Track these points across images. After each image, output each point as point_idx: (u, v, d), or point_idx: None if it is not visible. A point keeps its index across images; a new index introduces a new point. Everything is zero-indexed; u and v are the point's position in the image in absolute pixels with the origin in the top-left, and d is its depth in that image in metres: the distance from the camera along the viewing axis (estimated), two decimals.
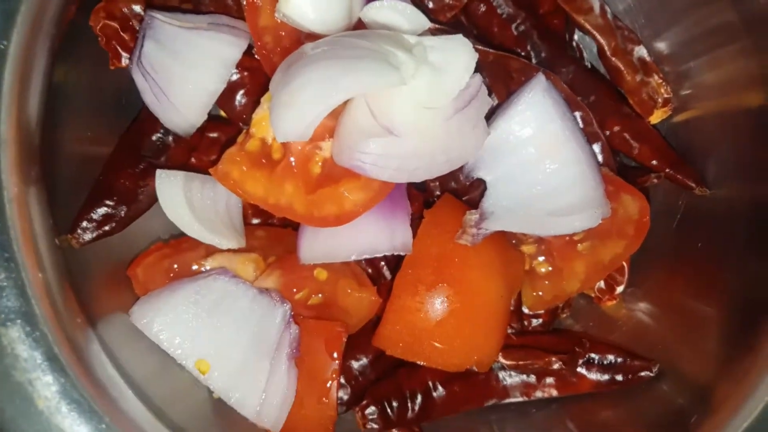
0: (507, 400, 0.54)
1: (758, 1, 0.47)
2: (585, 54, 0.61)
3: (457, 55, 0.46)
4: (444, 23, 0.54)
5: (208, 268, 0.53)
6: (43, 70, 0.45)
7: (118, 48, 0.49)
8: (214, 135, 0.56)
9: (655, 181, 0.56)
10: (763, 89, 0.50)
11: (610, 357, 0.55)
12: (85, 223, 0.48)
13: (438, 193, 0.56)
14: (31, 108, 0.45)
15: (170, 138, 0.53)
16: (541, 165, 0.48)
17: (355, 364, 0.56)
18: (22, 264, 0.43)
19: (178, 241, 0.54)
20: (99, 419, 0.43)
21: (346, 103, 0.45)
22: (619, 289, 0.59)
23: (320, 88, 0.41)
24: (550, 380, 0.54)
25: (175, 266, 0.53)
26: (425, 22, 0.51)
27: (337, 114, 0.46)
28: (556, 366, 0.53)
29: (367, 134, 0.43)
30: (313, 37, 0.49)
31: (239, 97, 0.53)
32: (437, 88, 0.46)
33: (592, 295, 0.60)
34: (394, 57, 0.42)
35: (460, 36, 0.47)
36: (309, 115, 0.41)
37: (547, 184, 0.48)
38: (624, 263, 0.58)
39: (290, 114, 0.41)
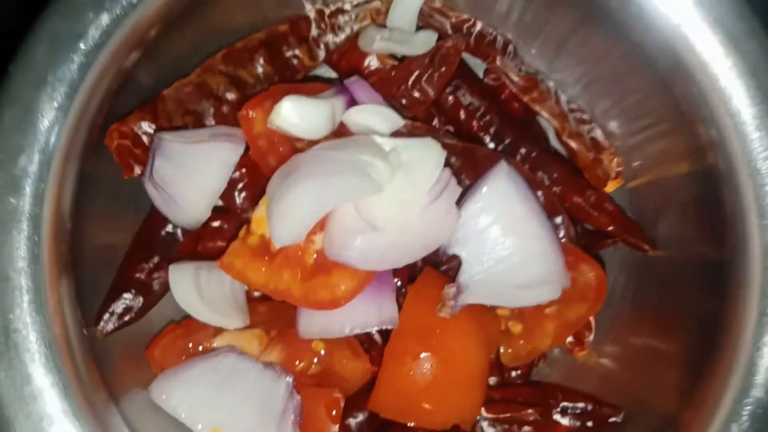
0: None
1: (674, 90, 0.54)
2: (545, 132, 0.68)
3: (427, 155, 0.53)
4: (416, 118, 0.61)
5: (216, 346, 0.59)
6: (76, 169, 0.52)
7: (131, 161, 0.56)
8: (217, 224, 0.63)
9: (613, 246, 0.63)
10: (691, 159, 0.57)
11: (581, 405, 0.61)
12: (107, 316, 0.55)
13: (420, 264, 0.62)
14: (65, 201, 0.51)
15: (179, 231, 0.60)
16: (506, 243, 0.55)
17: (353, 422, 0.62)
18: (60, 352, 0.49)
19: (188, 321, 0.60)
20: None
21: None
22: (588, 340, 0.65)
23: (310, 203, 0.48)
24: (527, 429, 0.60)
25: (190, 345, 0.59)
26: (399, 121, 0.58)
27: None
28: (532, 417, 0.59)
29: (352, 231, 0.50)
30: (301, 140, 0.57)
31: (238, 192, 0.60)
32: (412, 185, 0.53)
33: (566, 347, 0.66)
34: (371, 167, 0.49)
35: (429, 138, 0.54)
36: (301, 224, 0.48)
37: (511, 260, 0.55)
38: (590, 319, 0.64)
39: (285, 225, 0.48)
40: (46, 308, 0.48)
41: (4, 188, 0.48)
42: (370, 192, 0.49)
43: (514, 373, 0.65)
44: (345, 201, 0.49)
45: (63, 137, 0.49)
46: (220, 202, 0.63)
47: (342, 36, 0.63)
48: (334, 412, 0.59)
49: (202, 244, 0.62)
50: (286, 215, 0.48)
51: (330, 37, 0.63)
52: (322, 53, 0.63)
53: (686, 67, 0.53)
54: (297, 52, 0.62)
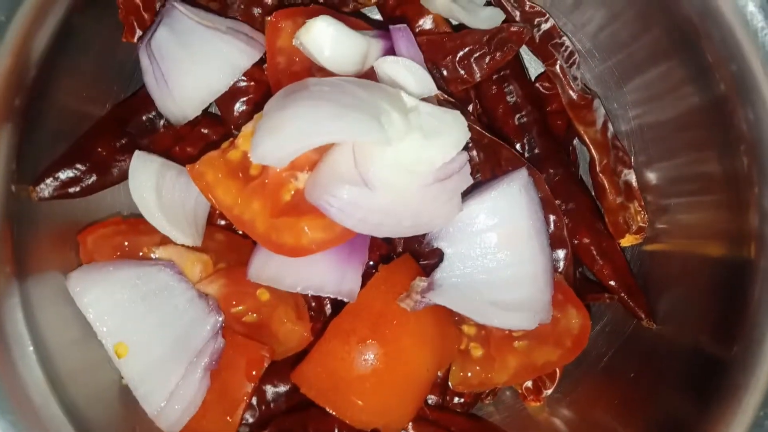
0: None
1: (741, 161, 0.48)
2: (578, 160, 0.62)
3: (450, 129, 0.47)
4: (452, 95, 0.55)
5: (156, 256, 0.53)
6: (62, 15, 0.45)
7: (135, 24, 0.50)
8: (205, 131, 0.57)
9: (607, 301, 0.57)
10: (726, 244, 0.51)
11: None
12: (50, 180, 0.48)
13: (400, 249, 0.56)
14: (37, 43, 0.45)
15: (161, 122, 0.53)
16: (498, 254, 0.49)
17: (270, 390, 0.56)
18: None
19: (136, 221, 0.54)
20: None
21: (333, 143, 0.46)
22: (546, 392, 0.59)
23: (306, 126, 0.42)
24: None
25: (126, 244, 0.53)
26: (432, 89, 0.52)
27: (322, 151, 0.47)
28: None
29: (342, 179, 0.44)
30: (323, 71, 0.51)
31: (239, 104, 0.54)
32: (423, 154, 0.47)
33: (519, 390, 0.60)
34: (387, 116, 0.43)
35: (457, 112, 0.48)
36: (288, 147, 0.42)
37: (497, 274, 0.49)
38: (557, 369, 0.58)
39: (271, 140, 0.42)
40: None
41: None
42: (376, 140, 0.43)
43: (456, 400, 0.59)
44: (345, 139, 0.43)
45: None
46: (216, 110, 0.58)
47: None
48: (254, 372, 0.52)
49: (181, 146, 0.56)
50: (276, 130, 0.42)
51: None
52: None
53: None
54: None
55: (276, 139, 0.42)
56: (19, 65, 0.43)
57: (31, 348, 0.46)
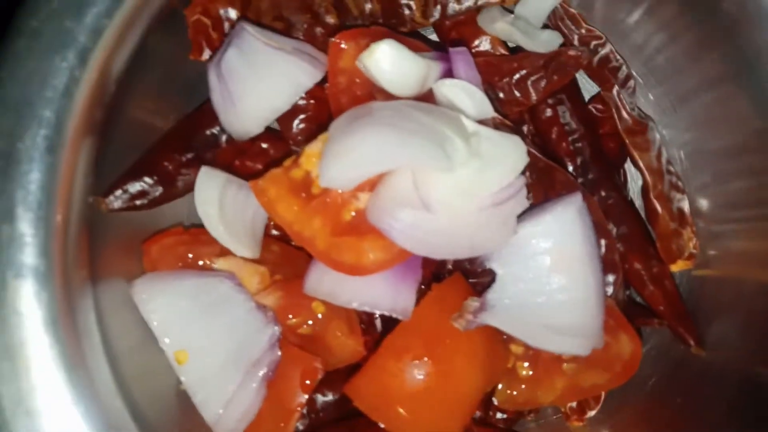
0: None
1: None
2: (630, 184, 0.63)
3: (509, 155, 0.48)
4: (507, 116, 0.56)
5: (217, 267, 0.55)
6: (138, 37, 0.48)
7: (203, 43, 0.51)
8: (265, 146, 0.58)
9: (657, 326, 0.57)
10: None
11: None
12: (119, 192, 0.50)
13: (450, 267, 0.57)
14: (116, 64, 0.47)
15: (224, 137, 0.55)
16: (550, 278, 0.50)
17: (321, 399, 0.58)
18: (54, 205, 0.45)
19: (197, 231, 0.55)
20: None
21: None
22: (590, 413, 0.60)
23: (373, 152, 0.43)
24: None
25: (189, 255, 0.54)
26: (490, 111, 0.53)
27: (384, 173, 0.48)
28: None
29: (403, 202, 0.45)
30: (383, 92, 0.52)
31: (298, 121, 0.56)
32: (482, 178, 0.47)
33: (562, 409, 0.61)
34: (450, 143, 0.44)
35: (517, 138, 0.49)
36: (356, 172, 0.43)
37: (550, 297, 0.49)
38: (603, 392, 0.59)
39: (339, 166, 0.43)
40: (61, 155, 0.44)
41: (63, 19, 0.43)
42: (440, 167, 0.44)
43: (499, 415, 0.60)
44: (411, 165, 0.44)
45: None
46: (276, 126, 0.59)
47: (465, 5, 0.57)
48: (308, 382, 0.54)
49: (242, 160, 0.58)
50: (344, 155, 0.43)
51: (451, 1, 0.57)
52: (436, 14, 0.57)
53: None
54: (412, 2, 0.57)
55: (343, 164, 0.43)
56: (100, 85, 0.45)
57: (102, 348, 0.48)
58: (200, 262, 0.55)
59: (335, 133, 0.45)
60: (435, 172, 0.46)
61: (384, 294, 0.51)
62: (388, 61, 0.49)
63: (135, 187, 0.51)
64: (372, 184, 0.49)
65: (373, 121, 0.44)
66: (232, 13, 0.51)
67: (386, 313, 0.50)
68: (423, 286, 0.54)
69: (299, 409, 0.53)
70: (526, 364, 0.56)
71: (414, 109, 0.46)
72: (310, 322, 0.54)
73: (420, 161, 0.43)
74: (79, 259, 0.46)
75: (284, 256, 0.57)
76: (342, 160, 0.43)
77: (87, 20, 0.44)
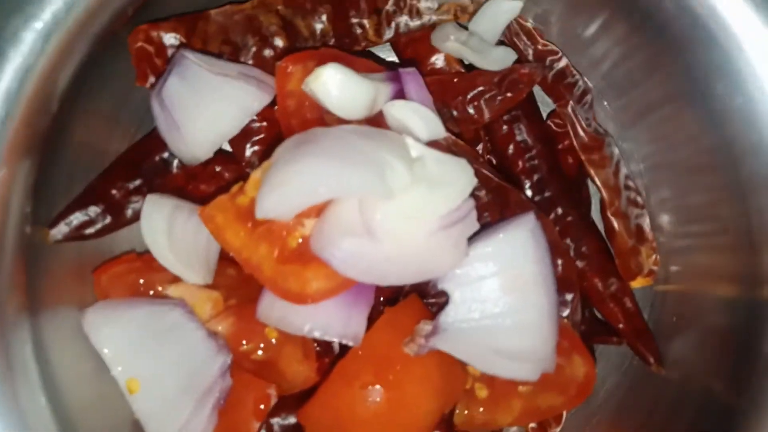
0: None
1: (753, 203, 0.47)
2: (591, 197, 0.62)
3: (457, 178, 0.47)
4: (462, 135, 0.55)
5: (169, 294, 0.54)
6: (82, 57, 0.46)
7: (148, 70, 0.51)
8: (218, 169, 0.58)
9: (616, 344, 0.57)
10: (739, 286, 0.51)
11: None
12: (64, 223, 0.50)
13: (408, 288, 0.57)
14: (60, 81, 0.46)
15: (175, 162, 0.55)
16: (502, 299, 0.49)
17: (278, 423, 0.57)
18: None
19: (150, 257, 0.55)
20: None
21: None
22: None
23: (309, 182, 0.42)
24: None
25: (141, 282, 0.54)
26: (441, 132, 0.52)
27: (331, 200, 0.47)
28: None
29: (346, 230, 0.45)
30: (332, 114, 0.51)
31: (251, 143, 0.55)
32: (428, 202, 0.47)
33: (525, 430, 0.60)
34: (390, 169, 0.44)
35: (464, 160, 0.48)
36: (292, 203, 0.43)
37: (501, 320, 0.49)
38: (563, 412, 0.58)
39: (275, 197, 0.43)
40: None
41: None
42: (379, 194, 0.43)
43: None
44: (348, 195, 0.43)
45: (83, 6, 0.44)
46: (229, 148, 0.59)
47: (417, 22, 0.57)
48: (261, 407, 0.54)
49: (195, 184, 0.57)
50: (280, 187, 0.42)
51: (404, 19, 0.57)
52: (390, 33, 0.57)
53: None
54: (365, 21, 0.56)
55: (279, 195, 0.43)
56: (40, 103, 0.44)
57: (40, 384, 0.47)
58: (152, 290, 0.54)
59: (276, 162, 0.45)
60: (380, 200, 0.46)
61: (335, 320, 0.50)
62: (333, 86, 0.49)
63: (79, 218, 0.50)
64: (318, 210, 0.48)
65: (312, 151, 0.43)
66: (175, 39, 0.51)
67: (337, 340, 0.50)
68: (382, 307, 0.54)
69: None
70: (483, 384, 0.55)
71: (356, 136, 0.45)
72: (263, 345, 0.53)
73: (357, 190, 0.43)
74: (13, 289, 0.46)
75: (239, 280, 0.56)
76: (278, 191, 0.43)
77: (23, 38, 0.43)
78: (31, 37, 0.43)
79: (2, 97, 0.42)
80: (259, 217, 0.44)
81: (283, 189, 0.43)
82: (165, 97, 0.49)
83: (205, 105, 0.49)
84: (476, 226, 0.50)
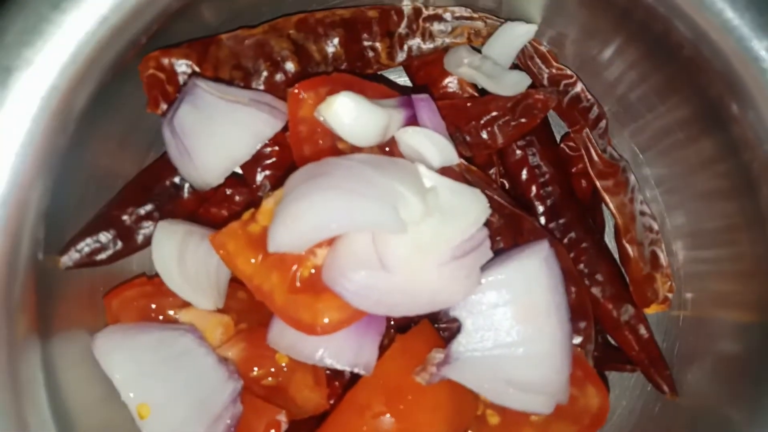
0: None
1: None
2: (604, 222, 0.61)
3: (469, 208, 0.47)
4: (474, 160, 0.54)
5: (180, 319, 0.54)
6: (94, 87, 0.46)
7: (159, 97, 0.51)
8: (229, 191, 0.58)
9: (630, 372, 0.56)
10: (754, 313, 0.50)
11: None
12: (75, 250, 0.50)
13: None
14: (77, 103, 0.46)
15: (186, 186, 0.54)
16: (515, 328, 0.48)
17: None
18: None
19: (161, 281, 0.55)
20: None
21: None
22: None
23: (322, 219, 0.42)
24: None
25: (152, 306, 0.54)
26: (454, 158, 0.52)
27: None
28: None
29: (358, 262, 0.44)
30: (344, 143, 0.51)
31: (262, 168, 0.55)
32: (441, 233, 0.46)
33: None
34: (404, 202, 0.43)
35: (477, 190, 0.47)
36: (304, 238, 0.42)
37: (514, 349, 0.48)
38: None
39: (287, 232, 0.42)
40: (8, 201, 0.43)
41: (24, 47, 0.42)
42: (392, 230, 0.43)
43: None
44: (360, 230, 0.43)
45: (100, 35, 0.44)
46: (240, 171, 0.58)
47: (430, 45, 0.56)
48: None
49: (206, 208, 0.57)
50: (293, 221, 0.42)
51: (417, 42, 0.56)
52: (402, 56, 0.56)
53: None
54: (377, 44, 0.56)
55: (292, 230, 0.42)
56: (59, 123, 0.44)
57: (49, 410, 0.47)
58: (162, 315, 0.54)
59: (287, 194, 0.44)
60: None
61: (346, 349, 0.50)
62: (346, 113, 0.48)
63: (91, 244, 0.50)
64: (330, 240, 0.48)
65: (325, 184, 0.43)
66: (187, 66, 0.50)
67: (348, 369, 0.49)
68: (393, 331, 0.54)
69: None
70: (495, 411, 0.55)
71: (369, 168, 0.45)
72: (274, 371, 0.53)
73: (370, 224, 0.42)
74: (23, 313, 0.45)
75: (250, 304, 0.56)
76: (290, 226, 0.42)
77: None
78: (52, 62, 0.44)
79: (25, 116, 0.43)
80: (271, 251, 0.44)
81: (296, 224, 0.42)
82: (176, 125, 0.49)
83: (216, 132, 0.49)
84: (489, 255, 0.49)
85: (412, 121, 0.52)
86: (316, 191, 0.43)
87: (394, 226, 0.43)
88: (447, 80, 0.58)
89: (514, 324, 0.49)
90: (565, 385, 0.49)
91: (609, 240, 0.60)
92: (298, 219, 0.42)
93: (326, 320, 0.46)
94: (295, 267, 0.48)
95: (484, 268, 0.50)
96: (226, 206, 0.57)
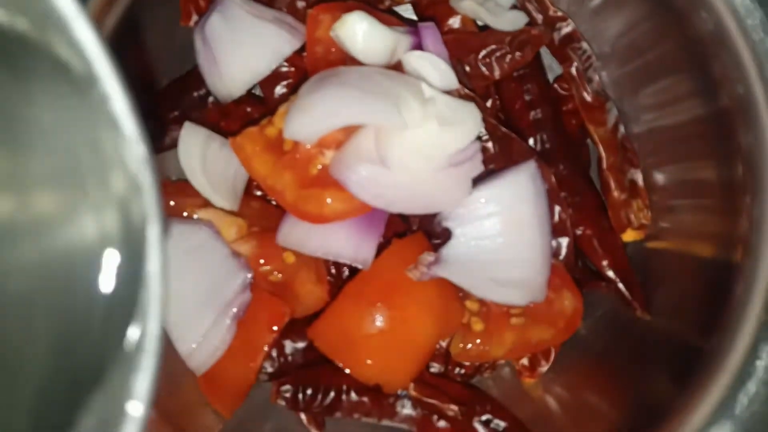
0: (399, 425, 0.60)
1: (736, 171, 0.52)
2: (590, 160, 0.66)
3: (465, 120, 0.53)
4: (473, 89, 0.60)
5: (198, 216, 0.60)
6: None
7: (192, 10, 0.56)
8: (248, 109, 0.63)
9: (604, 290, 0.61)
10: (718, 246, 0.55)
11: (504, 424, 0.59)
12: None
13: (415, 228, 0.62)
14: (105, 27, 0.51)
15: (210, 99, 0.60)
16: (500, 237, 0.54)
17: (289, 345, 0.62)
18: None
19: (183, 184, 0.60)
20: None
21: (359, 126, 0.52)
22: (541, 369, 0.64)
23: (332, 108, 0.47)
24: (443, 424, 0.59)
25: (172, 203, 0.60)
26: (454, 83, 0.57)
27: (349, 132, 0.53)
28: (452, 414, 0.58)
29: (362, 157, 0.50)
30: (355, 61, 0.56)
31: (280, 87, 0.60)
32: (438, 140, 0.52)
33: (516, 367, 0.65)
34: (405, 103, 0.49)
35: (472, 104, 0.53)
36: (316, 125, 0.48)
37: (498, 254, 0.54)
38: (552, 348, 0.63)
39: (301, 119, 0.48)
40: None
41: None
42: (392, 123, 0.48)
43: (457, 370, 0.64)
44: (366, 121, 0.49)
45: None
46: (259, 91, 0.64)
47: None
48: (275, 327, 0.59)
49: (226, 122, 0.63)
50: (306, 111, 0.48)
51: None
52: None
53: None
54: None
55: (305, 118, 0.48)
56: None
57: None
58: (184, 213, 0.60)
59: (302, 92, 0.50)
60: (394, 133, 0.51)
61: (347, 245, 0.55)
62: (358, 32, 0.54)
63: None
64: (338, 143, 0.53)
65: (337, 82, 0.49)
66: None
67: (348, 262, 0.55)
68: (389, 242, 0.59)
69: (265, 348, 0.57)
70: (479, 318, 0.60)
71: (376, 73, 0.51)
72: (281, 268, 0.59)
73: (374, 117, 0.48)
74: None
75: (262, 212, 0.62)
76: (304, 115, 0.48)
77: None
78: None
79: None
80: (286, 137, 0.50)
81: (309, 113, 0.48)
82: (207, 33, 0.54)
83: (241, 44, 0.55)
84: (480, 168, 0.55)
85: (418, 47, 0.58)
86: (328, 86, 0.48)
87: (394, 121, 0.48)
88: (452, 19, 0.63)
89: (500, 233, 0.55)
90: (542, 284, 0.54)
91: (593, 178, 0.66)
92: (312, 109, 0.48)
93: (331, 209, 0.51)
94: (305, 166, 0.54)
95: (476, 183, 0.56)
96: (244, 122, 0.62)
